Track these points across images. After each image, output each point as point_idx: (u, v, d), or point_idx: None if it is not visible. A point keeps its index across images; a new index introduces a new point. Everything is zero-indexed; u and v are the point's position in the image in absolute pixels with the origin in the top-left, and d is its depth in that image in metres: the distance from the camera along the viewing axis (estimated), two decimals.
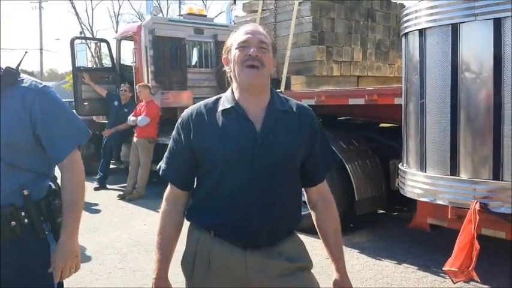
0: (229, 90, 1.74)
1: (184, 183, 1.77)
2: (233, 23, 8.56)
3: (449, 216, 3.50)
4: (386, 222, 5.68)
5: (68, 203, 1.84)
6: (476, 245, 2.69)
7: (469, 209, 2.82)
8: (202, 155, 1.69)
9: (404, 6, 7.44)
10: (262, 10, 6.58)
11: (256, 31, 1.69)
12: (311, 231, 2.20)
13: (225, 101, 1.70)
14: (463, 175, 2.88)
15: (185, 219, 1.80)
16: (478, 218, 2.69)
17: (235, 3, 9.31)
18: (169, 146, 1.79)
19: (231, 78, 1.74)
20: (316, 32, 6.07)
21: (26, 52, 1.99)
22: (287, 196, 1.72)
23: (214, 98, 1.77)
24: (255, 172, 1.63)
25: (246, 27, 1.71)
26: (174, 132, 1.78)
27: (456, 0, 2.87)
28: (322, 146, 1.79)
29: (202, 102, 1.76)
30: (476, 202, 2.74)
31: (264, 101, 1.70)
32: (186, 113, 1.76)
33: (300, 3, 6.03)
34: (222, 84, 7.86)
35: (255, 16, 6.71)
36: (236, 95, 1.69)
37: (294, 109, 1.73)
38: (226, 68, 1.74)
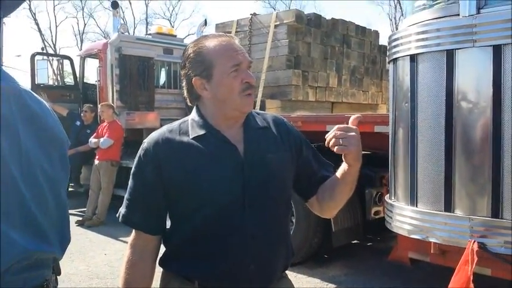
0: (195, 114, 1.46)
1: (154, 228, 1.45)
2: None
3: (431, 251, 3.35)
4: (360, 253, 5.48)
5: None
6: None
7: (464, 247, 2.62)
8: (179, 192, 1.39)
9: (379, 33, 7.52)
10: (236, 32, 6.41)
11: (241, 48, 1.45)
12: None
13: (195, 126, 1.42)
14: (459, 211, 2.68)
15: (158, 266, 1.49)
16: (476, 259, 2.48)
17: (206, 24, 9.13)
18: (129, 185, 1.46)
19: (194, 98, 1.47)
20: (292, 56, 5.91)
21: None
22: (283, 227, 1.50)
23: (178, 122, 1.48)
24: (248, 202, 1.36)
25: (227, 43, 1.42)
26: (134, 169, 1.45)
27: (451, 26, 2.72)
28: (311, 152, 1.59)
29: (165, 128, 1.46)
30: (474, 242, 2.53)
31: (240, 120, 1.46)
32: (149, 143, 1.43)
33: (276, 26, 5.88)
34: (191, 107, 7.63)
35: None
36: (210, 119, 1.43)
37: (271, 124, 1.51)
38: (199, 91, 1.43)
